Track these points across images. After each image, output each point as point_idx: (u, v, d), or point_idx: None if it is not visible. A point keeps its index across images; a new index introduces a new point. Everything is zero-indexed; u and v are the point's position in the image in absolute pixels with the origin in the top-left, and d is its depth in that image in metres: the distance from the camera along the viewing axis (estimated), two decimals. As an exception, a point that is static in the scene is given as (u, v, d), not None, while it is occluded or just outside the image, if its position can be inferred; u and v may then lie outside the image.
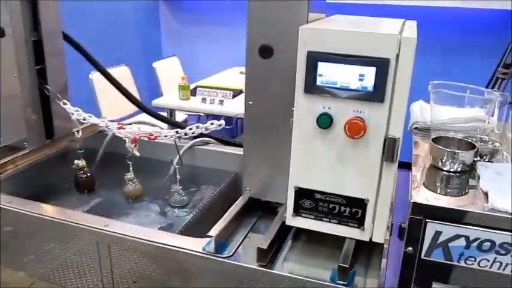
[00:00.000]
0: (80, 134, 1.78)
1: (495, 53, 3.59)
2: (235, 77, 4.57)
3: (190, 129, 1.60)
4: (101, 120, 1.69)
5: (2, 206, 1.48)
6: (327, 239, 1.26)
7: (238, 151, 1.91)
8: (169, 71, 4.73)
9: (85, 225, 1.37)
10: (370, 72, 1.07)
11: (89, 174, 1.83)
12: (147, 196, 1.84)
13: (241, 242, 1.34)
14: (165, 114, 3.75)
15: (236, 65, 4.96)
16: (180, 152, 1.84)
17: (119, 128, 1.65)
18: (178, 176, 1.72)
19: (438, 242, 1.12)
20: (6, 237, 1.51)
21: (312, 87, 1.12)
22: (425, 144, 1.49)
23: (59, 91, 1.87)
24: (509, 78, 3.31)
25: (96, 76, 3.82)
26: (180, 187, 1.75)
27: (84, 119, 1.72)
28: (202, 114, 4.39)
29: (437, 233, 1.11)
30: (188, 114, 4.42)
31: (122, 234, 1.33)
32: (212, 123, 1.58)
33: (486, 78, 3.56)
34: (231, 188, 1.88)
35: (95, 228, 1.36)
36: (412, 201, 1.11)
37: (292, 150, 1.20)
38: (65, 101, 1.77)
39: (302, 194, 1.24)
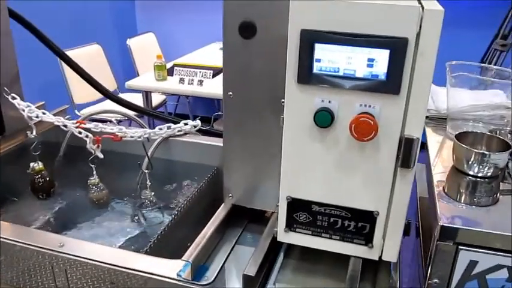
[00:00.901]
0: (34, 133, 1.52)
1: (487, 23, 3.33)
2: (215, 53, 4.29)
3: (161, 129, 1.36)
4: (56, 119, 1.43)
5: None
6: (324, 253, 1.05)
7: (218, 142, 1.68)
8: (145, 48, 4.41)
9: (37, 247, 1.13)
10: (382, 56, 0.83)
11: (47, 179, 1.58)
12: (116, 198, 1.60)
13: (224, 262, 1.11)
14: (140, 96, 3.48)
15: (216, 40, 4.66)
16: (152, 148, 1.59)
17: (78, 127, 1.40)
18: (148, 182, 1.48)
19: (473, 273, 0.90)
20: None
21: (307, 76, 0.88)
22: (439, 136, 1.26)
23: (9, 81, 1.60)
24: (509, 51, 3.09)
25: (64, 57, 3.51)
26: (152, 193, 1.51)
27: (37, 116, 1.46)
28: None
29: (472, 263, 0.89)
30: (166, 95, 4.14)
31: (80, 257, 1.10)
32: (186, 124, 1.33)
33: (478, 52, 3.32)
34: (211, 184, 1.66)
35: (48, 250, 1.13)
36: (440, 224, 0.88)
37: (283, 154, 0.97)
38: (14, 95, 1.50)
39: (296, 205, 1.01)
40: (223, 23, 1.02)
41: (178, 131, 1.35)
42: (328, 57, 0.86)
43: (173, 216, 1.44)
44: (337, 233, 1.01)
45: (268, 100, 1.06)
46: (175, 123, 1.35)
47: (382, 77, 0.84)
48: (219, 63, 3.57)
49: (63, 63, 3.53)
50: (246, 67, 1.05)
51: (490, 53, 3.25)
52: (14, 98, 1.50)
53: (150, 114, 1.85)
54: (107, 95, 1.78)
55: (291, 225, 1.04)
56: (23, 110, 1.47)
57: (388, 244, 0.99)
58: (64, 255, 1.11)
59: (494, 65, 3.08)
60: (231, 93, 1.08)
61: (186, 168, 1.71)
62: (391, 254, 1.00)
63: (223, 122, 1.13)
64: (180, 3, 4.72)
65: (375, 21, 0.82)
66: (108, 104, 3.81)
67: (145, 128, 1.92)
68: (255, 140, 1.12)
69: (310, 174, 0.97)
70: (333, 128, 0.90)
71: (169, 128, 1.35)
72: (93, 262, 1.09)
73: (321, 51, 0.86)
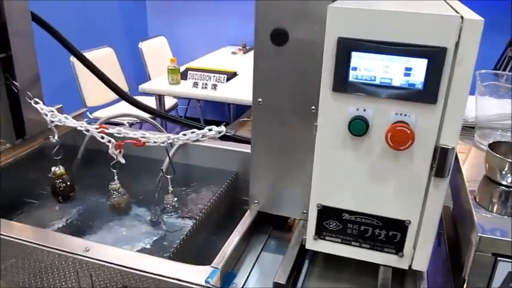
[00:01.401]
0: (56, 137, 1.52)
1: (499, 29, 3.31)
2: (227, 57, 4.29)
3: (184, 134, 1.35)
4: (79, 124, 1.43)
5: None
6: (348, 261, 1.05)
7: (238, 148, 1.68)
8: (156, 52, 4.42)
9: (62, 251, 1.13)
10: (420, 65, 0.83)
11: (68, 183, 1.58)
12: (135, 203, 1.60)
13: (252, 269, 1.11)
14: (153, 99, 3.48)
15: (228, 44, 4.66)
16: (171, 152, 1.59)
17: (101, 132, 1.39)
18: (170, 188, 1.48)
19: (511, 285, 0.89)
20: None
21: (342, 84, 0.88)
22: (466, 145, 1.25)
23: (30, 84, 1.61)
24: (524, 58, 3.07)
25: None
26: (175, 199, 1.50)
27: (59, 121, 1.46)
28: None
29: (511, 274, 0.88)
30: (178, 98, 4.14)
31: (106, 262, 1.09)
32: (211, 129, 1.32)
33: (492, 58, 3.30)
34: (230, 189, 1.66)
35: (73, 254, 1.12)
36: (479, 234, 0.88)
37: (315, 162, 0.97)
38: (37, 99, 1.50)
39: (326, 213, 1.01)
40: (255, 30, 1.02)
41: (202, 137, 1.34)
42: (365, 66, 0.86)
43: (194, 221, 1.44)
44: (367, 241, 1.00)
45: (298, 107, 1.06)
46: (199, 128, 1.34)
47: (419, 86, 0.84)
48: (231, 67, 3.59)
49: (76, 65, 3.55)
50: (276, 74, 1.04)
51: (503, 60, 3.23)
52: (36, 103, 1.50)
53: (168, 119, 1.84)
54: (127, 99, 1.78)
55: (320, 233, 1.03)
56: (46, 115, 1.46)
57: (418, 253, 0.98)
58: (89, 259, 1.11)
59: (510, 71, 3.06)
60: (260, 99, 1.08)
61: (205, 173, 1.71)
62: (421, 264, 0.99)
63: (251, 128, 1.12)
64: (191, 7, 4.73)
65: (413, 30, 0.82)
66: (121, 107, 3.83)
67: (163, 131, 1.92)
68: (283, 147, 1.12)
69: (342, 182, 0.96)
70: (367, 137, 0.90)
71: (193, 133, 1.34)
72: (119, 267, 1.08)
73: (358, 59, 0.86)
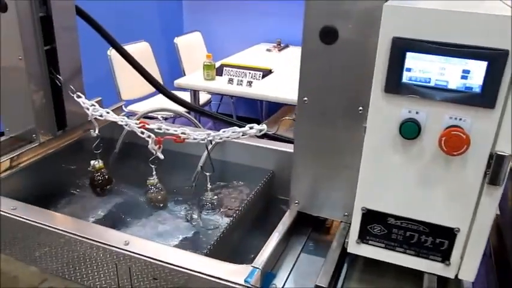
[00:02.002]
0: (97, 131, 1.53)
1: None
2: (261, 55, 4.27)
3: (224, 131, 1.34)
4: (120, 118, 1.43)
5: (3, 214, 1.25)
6: (388, 266, 1.02)
7: (275, 146, 1.67)
8: (191, 47, 4.44)
9: (102, 243, 1.14)
10: (479, 68, 0.79)
11: (106, 177, 1.59)
12: (171, 198, 1.60)
13: (291, 270, 1.09)
14: (187, 94, 3.49)
15: (262, 41, 4.65)
16: (209, 148, 1.58)
17: (141, 127, 1.40)
18: (209, 185, 1.47)
19: None
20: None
21: (395, 85, 0.85)
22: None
23: (72, 76, 1.63)
24: None
25: (115, 53, 3.54)
26: (215, 196, 1.50)
27: (101, 115, 1.47)
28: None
29: None
30: (212, 94, 4.15)
31: (145, 256, 1.09)
32: (252, 128, 1.31)
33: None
34: (266, 188, 1.64)
35: (113, 247, 1.13)
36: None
37: (362, 164, 0.94)
38: (79, 93, 1.52)
39: (371, 217, 0.98)
40: (303, 27, 1.00)
41: (243, 135, 1.33)
42: (420, 67, 0.83)
43: (231, 219, 1.43)
44: (412, 247, 0.98)
45: (345, 108, 1.03)
46: (239, 126, 1.33)
47: (477, 89, 0.81)
48: (266, 64, 3.57)
49: (113, 59, 3.59)
50: (324, 73, 1.02)
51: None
52: (79, 97, 1.52)
53: (205, 114, 1.85)
54: (165, 93, 1.78)
55: (363, 237, 1.01)
56: (88, 109, 1.48)
57: (466, 262, 0.95)
58: (129, 253, 1.11)
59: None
60: (306, 98, 1.06)
61: (241, 170, 1.70)
62: (468, 274, 0.95)
63: (295, 127, 1.11)
64: (226, 4, 4.74)
65: (473, 31, 0.78)
66: (154, 101, 3.87)
67: (199, 126, 1.92)
68: (327, 148, 1.10)
69: (390, 186, 0.93)
70: (418, 140, 0.87)
71: (234, 132, 1.33)
72: (158, 262, 1.08)
73: (413, 60, 0.83)
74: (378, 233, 0.99)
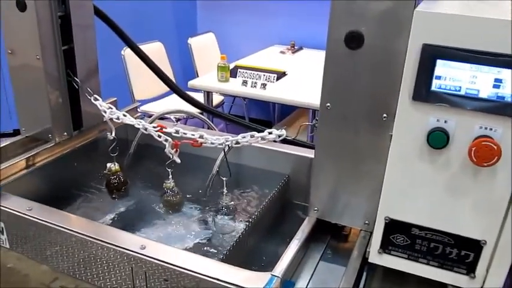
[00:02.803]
0: (113, 134, 1.52)
1: None
2: (275, 57, 4.25)
3: (244, 137, 1.32)
4: (137, 121, 1.42)
5: (18, 213, 1.24)
6: (407, 277, 1.01)
7: (291, 150, 1.64)
8: (204, 48, 4.43)
9: (118, 247, 1.12)
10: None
11: (122, 179, 1.58)
12: (188, 201, 1.59)
13: (310, 278, 1.07)
14: (201, 95, 3.48)
15: (276, 43, 4.63)
16: (223, 152, 1.57)
17: (159, 131, 1.38)
18: (225, 190, 1.46)
19: None
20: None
21: (424, 93, 0.83)
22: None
23: (89, 76, 1.62)
24: None
25: (129, 53, 3.56)
26: (232, 202, 1.48)
27: (118, 118, 1.46)
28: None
29: None
30: (224, 95, 4.14)
31: (162, 261, 1.08)
32: (271, 133, 1.29)
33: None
34: (282, 193, 1.62)
35: (129, 251, 1.11)
36: None
37: (386, 173, 0.92)
38: (96, 96, 1.51)
39: (394, 227, 0.96)
40: (328, 32, 0.98)
41: (262, 140, 1.31)
42: (450, 75, 0.81)
43: (247, 224, 1.41)
44: (436, 259, 0.95)
45: (368, 114, 1.01)
46: (258, 131, 1.31)
47: (509, 99, 0.78)
48: (280, 66, 3.55)
49: (127, 59, 3.59)
50: (348, 78, 1.00)
51: None
52: (96, 99, 1.51)
53: (221, 117, 1.83)
54: (181, 94, 1.77)
55: (385, 247, 0.99)
56: (105, 112, 1.47)
57: (492, 275, 0.92)
58: (145, 257, 1.10)
59: None
60: (328, 104, 1.04)
61: (256, 174, 1.68)
62: (494, 287, 0.93)
63: (317, 133, 1.09)
64: (240, 4, 4.72)
65: (506, 39, 0.76)
66: (167, 102, 3.87)
67: (214, 129, 1.91)
68: (348, 154, 1.07)
69: (415, 196, 0.91)
70: (446, 150, 0.85)
71: (252, 136, 1.31)
72: (175, 268, 1.07)
73: (443, 68, 0.81)
74: (401, 244, 0.97)
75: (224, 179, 1.44)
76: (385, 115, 0.99)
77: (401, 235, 0.96)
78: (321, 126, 1.07)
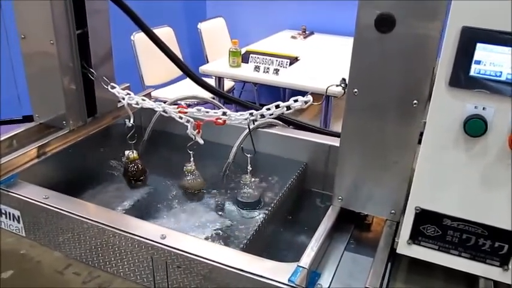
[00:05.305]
0: (132, 121, 1.49)
1: None
2: (286, 42, 4.19)
3: (268, 109, 1.27)
4: (157, 104, 1.39)
5: (35, 202, 1.22)
6: (437, 267, 0.97)
7: (308, 137, 1.61)
8: (214, 33, 4.37)
9: (137, 236, 1.10)
10: (557, 62, 0.73)
11: (140, 167, 1.55)
12: (207, 188, 1.56)
13: (336, 269, 1.05)
14: (212, 81, 3.44)
15: (286, 28, 4.56)
16: (239, 140, 1.54)
17: (180, 112, 1.35)
18: (250, 167, 1.42)
19: None
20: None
21: (462, 78, 0.79)
22: None
23: (102, 62, 1.58)
24: None
25: (139, 37, 3.52)
26: (256, 193, 1.45)
27: (137, 103, 1.42)
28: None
29: None
30: (235, 81, 4.09)
31: (182, 251, 1.06)
32: (296, 101, 1.24)
33: None
34: (300, 181, 1.59)
35: (149, 240, 1.09)
36: None
37: (419, 161, 0.89)
38: (113, 84, 1.48)
39: (425, 217, 0.93)
40: (357, 14, 0.93)
41: (287, 109, 1.25)
42: (491, 59, 0.77)
43: (266, 212, 1.39)
44: (468, 250, 0.92)
45: (398, 101, 0.97)
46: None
47: (554, 85, 0.74)
48: (292, 52, 3.50)
49: (136, 44, 3.55)
50: (377, 63, 0.96)
51: None
52: (113, 87, 1.48)
53: (240, 104, 1.78)
54: (196, 79, 1.73)
55: (415, 237, 0.96)
56: (123, 98, 1.44)
57: (527, 268, 0.89)
58: (165, 247, 1.08)
59: None
60: (356, 90, 1.00)
61: (274, 162, 1.65)
62: (528, 280, 0.90)
63: (343, 120, 1.05)
64: (250, -12, 4.65)
65: (553, 21, 0.72)
66: (178, 88, 3.83)
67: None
68: (376, 142, 1.04)
69: (448, 185, 0.88)
70: (484, 138, 0.81)
71: (277, 107, 1.26)
72: (197, 258, 1.04)
73: (483, 52, 0.77)
74: (432, 234, 0.94)
75: (248, 155, 1.41)
76: (415, 102, 0.95)
77: (432, 226, 0.93)
78: (348, 112, 1.04)
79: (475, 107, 0.80)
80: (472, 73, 0.78)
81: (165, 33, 3.92)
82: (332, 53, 3.80)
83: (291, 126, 1.70)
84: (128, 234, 1.11)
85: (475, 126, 0.80)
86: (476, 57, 0.77)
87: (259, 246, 1.32)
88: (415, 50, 0.92)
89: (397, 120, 0.99)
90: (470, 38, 0.77)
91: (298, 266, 0.96)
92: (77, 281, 1.25)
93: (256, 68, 3.13)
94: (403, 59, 0.94)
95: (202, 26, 4.21)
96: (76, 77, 1.54)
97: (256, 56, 3.15)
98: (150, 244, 1.09)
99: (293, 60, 3.23)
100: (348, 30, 4.78)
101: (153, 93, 3.58)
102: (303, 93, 3.67)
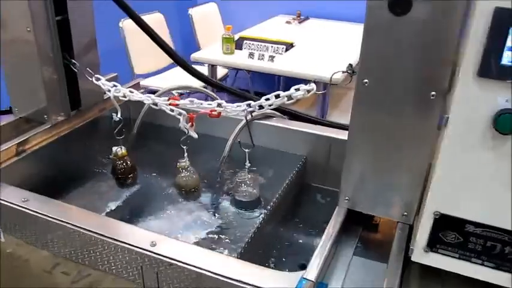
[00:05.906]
0: (119, 115, 1.38)
1: None
2: (281, 27, 4.06)
3: (268, 99, 1.17)
4: (146, 97, 1.28)
5: (13, 206, 1.12)
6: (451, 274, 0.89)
7: (308, 128, 1.51)
8: (206, 19, 4.23)
9: (126, 244, 1.00)
10: None
11: (129, 164, 1.45)
12: (202, 185, 1.46)
13: (345, 277, 0.95)
14: (205, 69, 3.31)
15: (281, 13, 4.43)
16: (234, 132, 1.43)
17: (171, 104, 1.24)
18: (248, 163, 1.32)
19: None
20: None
21: (493, 67, 0.69)
22: None
23: (85, 51, 1.47)
24: None
25: (127, 24, 3.38)
26: (255, 191, 1.35)
27: (124, 96, 1.31)
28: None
29: None
30: (228, 68, 3.97)
31: (174, 259, 0.96)
32: (298, 89, 1.13)
33: None
34: (299, 176, 1.50)
35: (138, 248, 0.99)
36: None
37: (439, 161, 0.79)
38: (98, 76, 1.36)
39: (445, 223, 0.84)
40: (368, -5, 0.83)
41: (288, 100, 1.15)
42: (527, 46, 0.67)
43: (265, 211, 1.30)
44: (492, 259, 0.83)
45: (413, 92, 0.87)
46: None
47: None
48: (287, 37, 3.38)
49: (126, 32, 3.41)
50: (391, 50, 0.85)
51: None
52: (98, 79, 1.37)
53: (234, 93, 1.68)
54: (187, 68, 1.62)
55: (433, 244, 0.86)
56: (109, 91, 1.32)
57: (557, 279, 0.80)
58: (156, 255, 0.98)
59: None
60: (366, 80, 0.89)
61: (272, 156, 1.56)
62: (559, 291, 0.81)
63: (351, 113, 0.95)
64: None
65: None
66: (167, 76, 3.70)
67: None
68: (388, 138, 0.94)
69: (473, 188, 0.78)
70: (516, 136, 0.72)
71: (277, 97, 1.15)
72: (190, 267, 0.95)
73: (518, 37, 0.66)
74: (452, 241, 0.84)
75: (246, 150, 1.31)
76: (433, 93, 0.85)
77: (452, 232, 0.83)
78: (357, 105, 0.93)
79: (506, 101, 0.70)
80: (504, 62, 0.68)
81: (156, 19, 3.78)
82: (329, 39, 3.68)
83: (286, 117, 1.60)
84: (115, 242, 1.01)
85: (507, 122, 0.71)
86: (509, 43, 0.67)
87: (258, 248, 1.23)
88: (434, 34, 0.81)
89: (412, 113, 0.89)
90: (504, 22, 0.67)
91: (303, 277, 0.86)
92: (67, 280, 1.16)
93: (251, 55, 3.01)
94: (420, 44, 0.83)
95: (194, 12, 4.07)
96: (57, 67, 1.42)
97: (251, 42, 3.03)
98: (139, 252, 0.99)
99: (288, 46, 3.12)
100: (344, 15, 4.65)
101: (143, 82, 3.47)
102: (299, 81, 3.56)
